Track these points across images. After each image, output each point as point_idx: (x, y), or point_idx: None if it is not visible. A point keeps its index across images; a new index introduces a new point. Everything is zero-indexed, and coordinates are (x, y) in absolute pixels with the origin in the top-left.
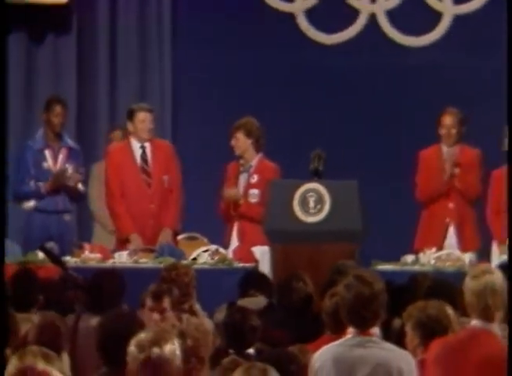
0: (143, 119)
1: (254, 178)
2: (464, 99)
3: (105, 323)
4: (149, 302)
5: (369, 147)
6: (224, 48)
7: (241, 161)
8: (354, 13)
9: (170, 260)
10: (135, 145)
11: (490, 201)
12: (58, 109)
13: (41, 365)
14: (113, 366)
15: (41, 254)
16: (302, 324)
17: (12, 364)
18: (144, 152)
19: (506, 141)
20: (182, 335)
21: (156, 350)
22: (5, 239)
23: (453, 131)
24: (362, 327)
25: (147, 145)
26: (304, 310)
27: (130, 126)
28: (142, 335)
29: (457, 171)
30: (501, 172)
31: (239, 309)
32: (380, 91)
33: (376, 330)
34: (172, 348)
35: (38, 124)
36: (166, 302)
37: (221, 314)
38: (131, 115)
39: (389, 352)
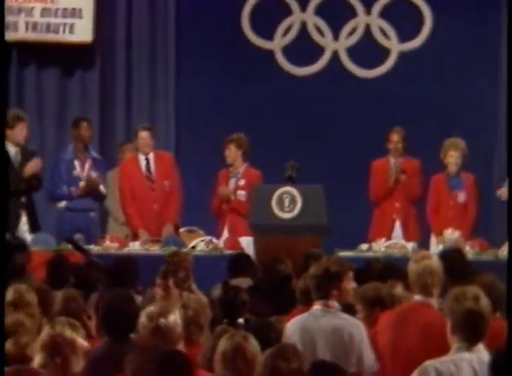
0: (143, 136)
1: (242, 182)
2: (407, 120)
3: (106, 301)
4: (158, 281)
5: (333, 158)
6: (217, 79)
7: (230, 169)
8: (320, 50)
9: (173, 248)
10: (141, 158)
11: (429, 201)
12: (85, 124)
13: (68, 332)
14: (114, 334)
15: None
16: (282, 299)
17: (45, 331)
18: (148, 163)
19: (442, 152)
20: (185, 307)
21: (162, 320)
22: (42, 232)
23: (399, 145)
24: (325, 298)
25: (151, 157)
26: (285, 287)
27: (135, 143)
28: (151, 308)
29: (404, 177)
30: (438, 178)
31: (232, 287)
32: (341, 113)
33: (335, 304)
34: (175, 318)
35: (68, 141)
36: (171, 282)
37: (217, 291)
38: (135, 134)
39: (343, 320)
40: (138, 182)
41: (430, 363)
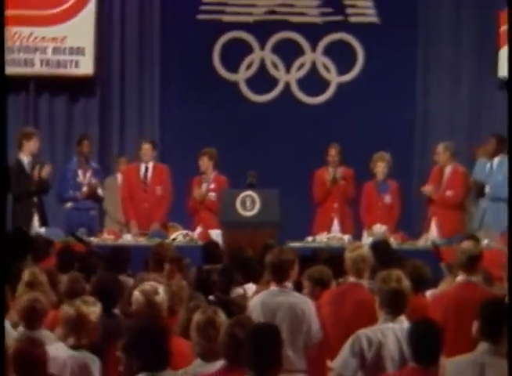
0: (145, 148)
1: (212, 186)
2: (344, 138)
3: (94, 282)
4: (166, 266)
5: (285, 168)
6: (193, 104)
7: (203, 176)
8: (275, 81)
9: (158, 240)
10: (142, 165)
11: (362, 203)
12: (86, 142)
13: (84, 309)
14: (107, 309)
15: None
16: (247, 280)
17: (64, 309)
18: (146, 170)
19: (372, 163)
20: (169, 285)
21: (154, 296)
22: (52, 226)
23: (336, 158)
24: (280, 280)
25: (150, 165)
26: (248, 270)
27: (139, 153)
28: (144, 287)
29: (342, 183)
30: (369, 184)
31: (205, 270)
32: (292, 132)
33: (289, 284)
34: (162, 294)
35: (73, 154)
36: (175, 267)
37: (192, 274)
38: (139, 146)
39: (296, 298)
40: (135, 184)
41: (361, 332)
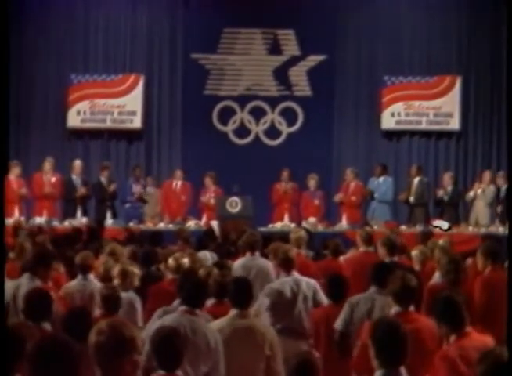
0: (176, 173)
1: (213, 195)
2: (292, 165)
3: (143, 251)
4: (178, 242)
5: (256, 183)
6: (200, 148)
7: (207, 188)
8: (249, 132)
9: (179, 226)
10: (174, 182)
11: (301, 204)
12: (138, 169)
13: (127, 266)
14: (147, 267)
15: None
16: (232, 251)
17: (118, 267)
18: (176, 185)
19: (307, 180)
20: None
21: (182, 260)
22: (118, 218)
23: (286, 177)
24: (252, 251)
25: (179, 183)
26: (234, 245)
27: (174, 175)
28: (176, 254)
29: (290, 192)
30: (306, 193)
31: (204, 244)
32: (260, 163)
33: (257, 253)
34: (187, 260)
35: (130, 176)
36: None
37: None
38: (174, 171)
39: (263, 262)
40: (169, 193)
41: (269, 285)
